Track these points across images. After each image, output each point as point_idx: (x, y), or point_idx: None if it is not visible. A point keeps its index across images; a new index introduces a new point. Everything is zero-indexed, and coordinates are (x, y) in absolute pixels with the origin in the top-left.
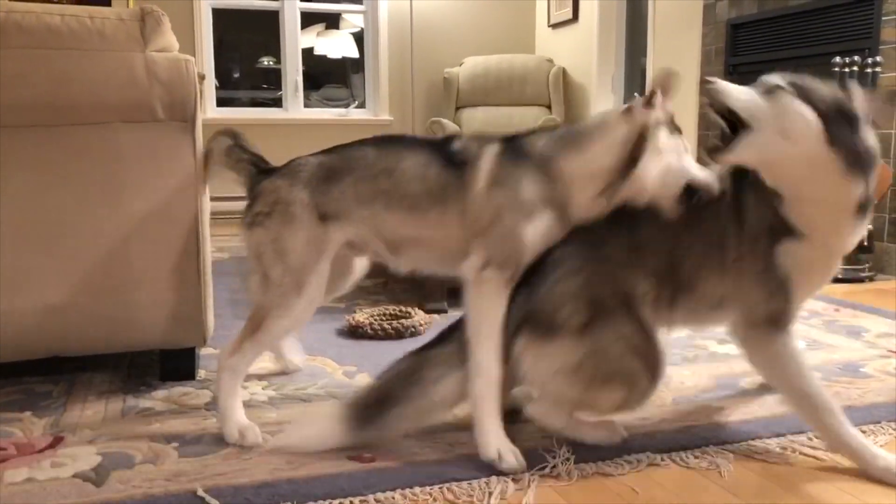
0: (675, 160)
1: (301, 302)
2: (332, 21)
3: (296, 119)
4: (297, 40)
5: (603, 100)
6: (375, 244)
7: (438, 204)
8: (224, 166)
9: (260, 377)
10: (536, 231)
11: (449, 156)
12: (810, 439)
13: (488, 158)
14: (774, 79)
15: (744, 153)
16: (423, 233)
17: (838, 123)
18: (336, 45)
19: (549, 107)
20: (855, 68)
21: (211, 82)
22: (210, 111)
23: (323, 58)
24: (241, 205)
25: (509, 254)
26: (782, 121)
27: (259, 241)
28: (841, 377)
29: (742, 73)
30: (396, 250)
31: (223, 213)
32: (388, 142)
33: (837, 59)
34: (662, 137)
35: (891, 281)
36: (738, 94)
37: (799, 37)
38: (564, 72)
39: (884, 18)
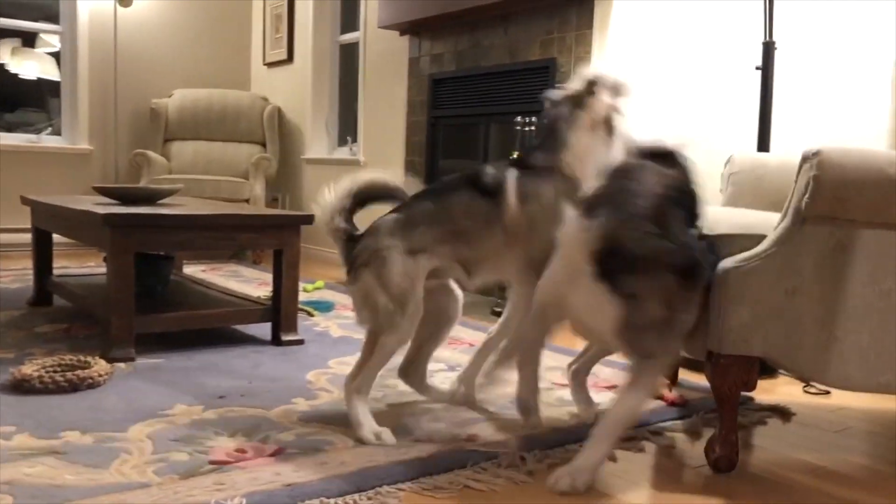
0: None
1: (405, 321)
2: (29, 39)
3: None
4: None
5: (318, 140)
6: (454, 269)
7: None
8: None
9: None
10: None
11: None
12: (477, 472)
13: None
14: None
15: None
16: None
17: None
18: (33, 65)
19: (263, 144)
20: (533, 127)
21: None
22: None
23: (17, 77)
24: None
25: None
26: None
27: (365, 283)
28: (513, 410)
29: (443, 125)
30: (471, 271)
31: None
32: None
33: (519, 118)
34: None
35: None
36: None
37: (490, 95)
38: (280, 111)
39: (556, 85)
